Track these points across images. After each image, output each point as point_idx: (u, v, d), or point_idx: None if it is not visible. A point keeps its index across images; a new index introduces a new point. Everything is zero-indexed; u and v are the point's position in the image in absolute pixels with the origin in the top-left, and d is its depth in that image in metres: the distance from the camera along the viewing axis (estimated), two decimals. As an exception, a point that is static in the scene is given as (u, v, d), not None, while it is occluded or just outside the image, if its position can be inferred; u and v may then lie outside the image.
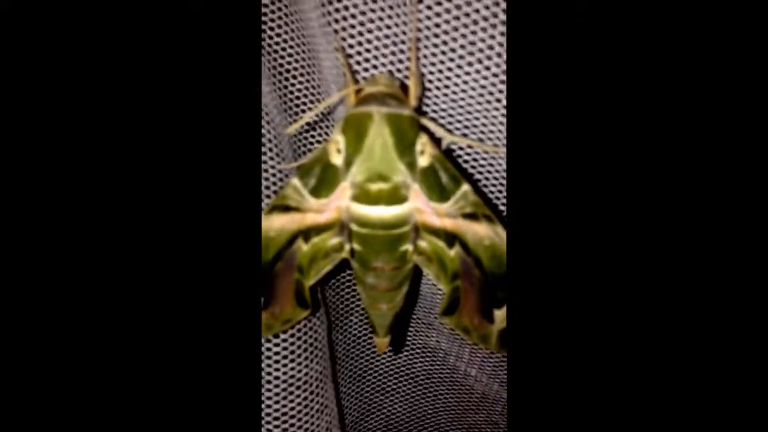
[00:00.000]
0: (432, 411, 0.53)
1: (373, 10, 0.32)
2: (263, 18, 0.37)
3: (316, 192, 0.32)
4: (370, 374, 0.51)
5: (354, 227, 0.32)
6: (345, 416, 0.49)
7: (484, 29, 0.30)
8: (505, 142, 0.34)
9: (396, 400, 0.52)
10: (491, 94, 0.33)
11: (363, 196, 0.31)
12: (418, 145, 0.31)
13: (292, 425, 0.37)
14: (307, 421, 0.38)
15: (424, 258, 0.33)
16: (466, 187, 0.32)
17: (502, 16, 0.30)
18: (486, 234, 0.32)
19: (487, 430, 0.53)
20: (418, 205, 0.32)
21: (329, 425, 0.40)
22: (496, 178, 0.37)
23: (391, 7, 0.32)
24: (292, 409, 0.37)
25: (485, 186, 0.38)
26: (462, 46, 0.31)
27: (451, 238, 0.33)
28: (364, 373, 0.51)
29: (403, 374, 0.52)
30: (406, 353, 0.51)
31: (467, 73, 0.32)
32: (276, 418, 0.37)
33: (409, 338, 0.50)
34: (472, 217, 0.32)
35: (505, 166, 0.36)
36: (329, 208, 0.32)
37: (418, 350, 0.51)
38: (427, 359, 0.51)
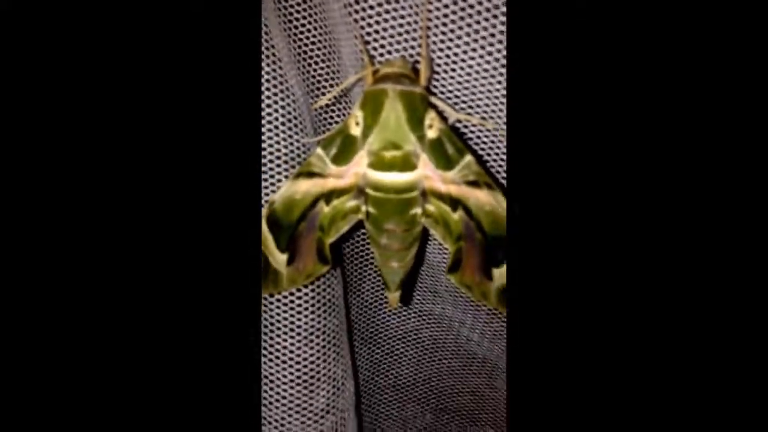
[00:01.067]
0: (437, 374, 0.57)
1: (388, 2, 0.36)
2: (290, 9, 0.41)
3: (337, 160, 0.36)
4: (381, 338, 0.55)
5: (370, 191, 0.36)
6: (357, 374, 0.53)
7: (486, 19, 0.34)
8: (505, 121, 0.39)
9: (404, 363, 0.56)
10: (493, 77, 0.37)
11: (378, 163, 0.35)
12: (427, 119, 0.35)
13: (311, 369, 0.42)
14: (324, 368, 0.42)
15: (432, 220, 0.37)
16: (469, 157, 0.36)
17: (503, 8, 0.34)
18: (487, 200, 0.36)
19: (487, 392, 0.57)
20: (427, 173, 0.36)
21: (344, 374, 0.44)
22: (497, 153, 0.41)
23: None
24: (312, 355, 0.42)
25: (487, 160, 0.42)
26: (467, 34, 0.35)
27: (455, 202, 0.37)
28: (375, 336, 0.55)
29: (411, 339, 0.56)
30: (413, 319, 0.55)
31: (472, 58, 0.36)
32: (297, 363, 0.41)
33: (416, 305, 0.54)
34: (474, 184, 0.36)
35: (505, 142, 0.40)
36: (348, 174, 0.37)
37: (424, 317, 0.54)
38: (433, 325, 0.55)
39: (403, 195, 0.36)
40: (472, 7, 0.34)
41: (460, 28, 0.35)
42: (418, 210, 0.37)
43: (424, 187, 0.36)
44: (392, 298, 0.41)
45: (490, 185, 0.36)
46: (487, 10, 0.34)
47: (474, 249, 0.38)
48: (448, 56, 0.36)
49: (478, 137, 0.41)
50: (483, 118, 0.39)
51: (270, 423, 0.42)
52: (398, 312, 0.55)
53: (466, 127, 0.41)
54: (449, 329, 0.54)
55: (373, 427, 0.57)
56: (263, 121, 0.39)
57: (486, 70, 0.37)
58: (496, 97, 0.38)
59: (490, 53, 0.36)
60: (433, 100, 0.36)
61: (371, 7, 0.37)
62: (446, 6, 0.34)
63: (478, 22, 0.35)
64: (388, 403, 0.58)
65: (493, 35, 0.35)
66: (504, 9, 0.33)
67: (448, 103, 0.38)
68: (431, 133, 0.35)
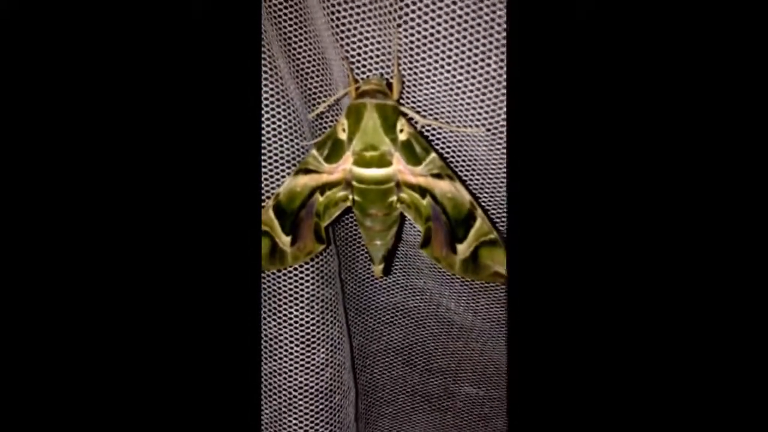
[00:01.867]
0: (421, 339, 0.64)
1: (367, 31, 0.44)
2: (289, 35, 0.50)
3: (329, 159, 0.45)
4: (372, 310, 0.62)
5: (355, 183, 0.44)
6: (351, 339, 0.62)
7: (444, 45, 0.43)
8: (465, 124, 0.47)
9: (393, 331, 0.63)
10: (452, 89, 0.45)
11: (361, 161, 0.43)
12: (398, 125, 0.43)
13: (313, 332, 0.50)
14: (323, 329, 0.51)
15: (405, 205, 0.45)
16: (433, 155, 0.44)
17: (458, 36, 0.42)
18: (448, 189, 0.44)
19: (465, 354, 0.65)
20: (400, 168, 0.44)
21: (340, 335, 0.53)
22: (458, 151, 0.50)
23: (380, 29, 0.45)
24: (312, 319, 0.50)
25: (452, 157, 0.51)
26: (430, 56, 0.43)
27: (423, 191, 0.44)
28: (367, 308, 0.62)
29: (398, 310, 0.62)
30: (400, 293, 0.63)
31: (434, 75, 0.43)
32: (301, 325, 0.50)
33: (402, 280, 0.62)
34: (438, 176, 0.44)
35: (465, 142, 0.49)
36: (338, 170, 0.45)
37: (409, 290, 0.61)
38: (417, 297, 0.62)
39: (382, 186, 0.44)
40: (432, 35, 0.43)
41: (425, 52, 0.42)
42: (394, 198, 0.45)
43: (398, 179, 0.45)
44: (377, 270, 0.49)
45: (451, 177, 0.44)
46: (444, 37, 0.43)
47: (440, 228, 0.46)
48: (415, 74, 0.43)
49: (446, 138, 0.50)
50: (447, 122, 0.48)
51: (279, 375, 0.51)
52: (387, 287, 0.63)
53: (433, 129, 0.49)
54: (430, 300, 0.61)
55: (369, 386, 0.66)
56: (270, 128, 0.48)
57: (447, 84, 0.44)
58: (456, 106, 0.46)
59: (449, 71, 0.44)
60: (403, 109, 0.44)
61: (354, 36, 0.45)
62: (413, 35, 0.43)
63: (438, 47, 0.43)
64: (381, 365, 0.65)
65: (450, 56, 0.43)
66: (458, 36, 0.42)
67: (415, 112, 0.46)
68: (402, 136, 0.44)
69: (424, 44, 0.42)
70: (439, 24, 0.41)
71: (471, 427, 0.68)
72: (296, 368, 0.51)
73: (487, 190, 0.50)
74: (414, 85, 0.44)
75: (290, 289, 0.50)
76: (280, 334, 0.50)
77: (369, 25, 0.44)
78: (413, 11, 0.40)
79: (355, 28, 0.44)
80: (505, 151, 0.46)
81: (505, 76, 0.41)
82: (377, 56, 0.44)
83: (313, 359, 0.51)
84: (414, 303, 0.63)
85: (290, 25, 0.48)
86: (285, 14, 0.47)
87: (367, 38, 0.44)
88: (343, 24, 0.44)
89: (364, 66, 0.45)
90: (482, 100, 0.43)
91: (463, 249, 0.46)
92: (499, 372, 0.65)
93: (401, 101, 0.45)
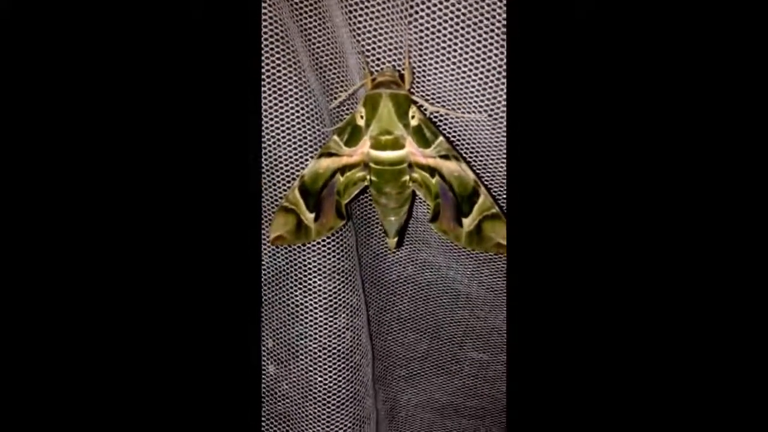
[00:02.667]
0: (431, 309, 0.69)
1: (381, 28, 0.49)
2: (310, 31, 0.55)
3: (348, 143, 0.49)
4: (386, 282, 0.67)
5: (372, 165, 0.49)
6: (368, 308, 0.68)
7: (450, 40, 0.48)
8: (469, 111, 0.52)
9: (404, 301, 0.68)
10: (457, 79, 0.50)
11: (377, 144, 0.48)
12: (410, 112, 0.48)
13: (336, 299, 0.56)
14: (343, 297, 0.56)
15: (417, 184, 0.50)
16: (441, 138, 0.49)
17: (462, 31, 0.47)
18: (455, 168, 0.50)
19: (471, 322, 0.70)
20: (412, 150, 0.49)
21: (358, 302, 0.59)
22: (463, 135, 0.55)
23: (392, 26, 0.49)
24: (334, 287, 0.55)
25: (457, 139, 0.56)
26: (437, 50, 0.48)
27: (432, 171, 0.49)
28: (381, 280, 0.67)
29: (410, 282, 0.67)
30: (411, 266, 0.68)
31: (441, 68, 0.48)
32: (324, 293, 0.55)
33: (413, 255, 0.66)
34: (445, 157, 0.49)
35: (469, 126, 0.54)
36: (356, 153, 0.50)
37: (419, 264, 0.66)
38: (427, 270, 0.66)
39: (396, 167, 0.49)
40: (439, 32, 0.47)
41: (432, 47, 0.47)
42: (407, 177, 0.50)
43: (411, 161, 0.50)
44: (391, 242, 0.55)
45: (457, 158, 0.50)
46: (450, 33, 0.47)
47: (447, 204, 0.51)
48: (424, 66, 0.47)
49: (452, 123, 0.55)
50: (453, 109, 0.53)
51: (305, 338, 0.57)
52: (399, 261, 0.67)
53: (440, 116, 0.55)
54: (439, 272, 0.66)
55: (383, 351, 0.72)
56: (294, 116, 0.52)
57: (453, 75, 0.48)
58: (462, 95, 0.51)
59: (454, 63, 0.49)
60: (414, 98, 0.49)
61: (369, 32, 0.49)
62: (422, 31, 0.47)
63: (445, 42, 0.47)
64: (394, 333, 0.70)
65: (455, 51, 0.48)
66: (463, 32, 0.47)
67: (425, 100, 0.49)
68: (413, 122, 0.49)
69: (433, 39, 0.46)
70: (445, 21, 0.46)
71: (477, 388, 0.73)
72: (320, 331, 0.57)
73: (489, 169, 0.55)
74: (423, 76, 0.48)
75: (314, 261, 0.55)
76: (306, 301, 0.56)
77: (382, 22, 0.48)
78: (422, 10, 0.45)
79: (369, 25, 0.47)
80: (505, 134, 0.51)
81: (505, 67, 0.46)
82: (390, 50, 0.48)
83: (336, 323, 0.57)
84: (424, 276, 0.68)
85: (311, 23, 0.52)
86: (306, 12, 0.52)
87: (380, 34, 0.47)
88: (359, 21, 0.48)
89: (378, 59, 0.49)
90: (484, 89, 0.48)
91: (468, 222, 0.51)
92: (502, 338, 0.70)
93: (412, 91, 0.49)
